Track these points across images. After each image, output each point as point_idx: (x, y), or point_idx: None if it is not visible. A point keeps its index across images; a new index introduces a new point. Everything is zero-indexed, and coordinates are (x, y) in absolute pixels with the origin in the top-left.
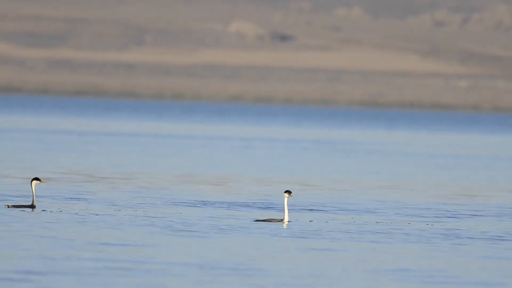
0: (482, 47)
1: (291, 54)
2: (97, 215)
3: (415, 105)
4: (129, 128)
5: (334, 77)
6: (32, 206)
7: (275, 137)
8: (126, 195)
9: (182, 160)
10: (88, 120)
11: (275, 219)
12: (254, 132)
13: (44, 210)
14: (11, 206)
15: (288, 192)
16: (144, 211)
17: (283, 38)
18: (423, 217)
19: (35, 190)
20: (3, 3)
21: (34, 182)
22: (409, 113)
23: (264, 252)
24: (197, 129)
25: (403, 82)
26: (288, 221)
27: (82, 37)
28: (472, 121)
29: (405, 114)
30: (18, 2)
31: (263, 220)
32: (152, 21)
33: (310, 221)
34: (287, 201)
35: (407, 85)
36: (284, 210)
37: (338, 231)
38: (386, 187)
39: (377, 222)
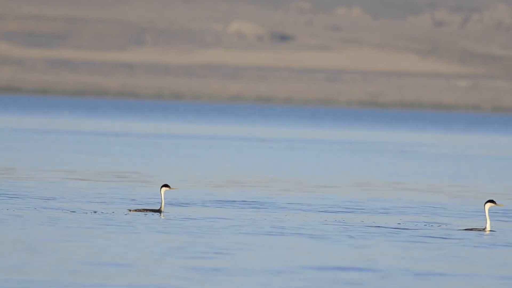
0: (482, 47)
1: (291, 54)
2: (220, 219)
3: (415, 105)
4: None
5: (334, 77)
6: (159, 211)
7: (324, 139)
8: (258, 198)
9: (271, 163)
10: (97, 120)
11: (477, 228)
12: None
13: (167, 214)
14: (133, 210)
15: (492, 201)
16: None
17: (283, 38)
18: None
19: (164, 196)
20: (3, 3)
21: (164, 188)
22: (409, 113)
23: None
24: (234, 129)
25: (403, 82)
26: (490, 231)
27: (82, 37)
28: (472, 121)
29: (405, 114)
30: (18, 2)
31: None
32: (152, 21)
33: None
34: (488, 210)
35: (407, 85)
36: (486, 218)
37: None
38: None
39: None
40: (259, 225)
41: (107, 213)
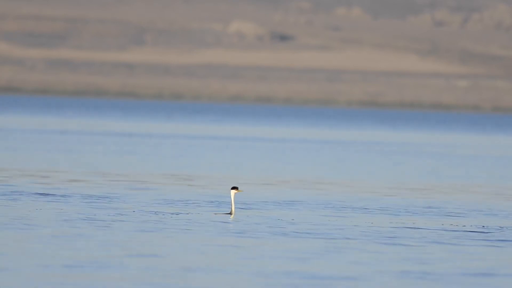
0: (482, 47)
1: (291, 54)
2: (292, 221)
3: (415, 105)
4: (169, 129)
5: (334, 77)
6: (229, 213)
7: (326, 138)
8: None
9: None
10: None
11: None
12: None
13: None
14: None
15: None
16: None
17: (283, 38)
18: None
19: (234, 199)
20: (3, 3)
21: (233, 191)
22: (409, 113)
23: None
24: (238, 129)
25: (403, 82)
26: None
27: (82, 37)
28: (472, 121)
29: (405, 114)
30: (18, 2)
31: None
32: (152, 21)
33: None
34: None
35: (407, 85)
36: None
37: None
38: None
39: None
40: (337, 228)
41: (190, 214)
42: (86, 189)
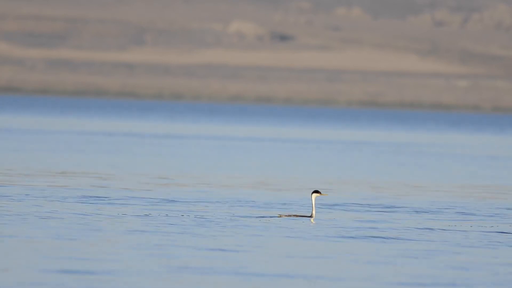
0: (482, 47)
1: (291, 54)
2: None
3: (415, 105)
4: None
5: (334, 77)
6: (310, 217)
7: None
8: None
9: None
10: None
11: None
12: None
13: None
14: (284, 215)
15: None
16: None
17: (283, 38)
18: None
19: (315, 203)
20: (3, 3)
21: (315, 194)
22: (409, 113)
23: None
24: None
25: (403, 82)
26: None
27: (82, 37)
28: (472, 121)
29: (405, 114)
30: (18, 2)
31: None
32: (152, 21)
33: None
34: None
35: (407, 85)
36: None
37: None
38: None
39: None
40: (419, 231)
41: (258, 217)
42: (189, 193)
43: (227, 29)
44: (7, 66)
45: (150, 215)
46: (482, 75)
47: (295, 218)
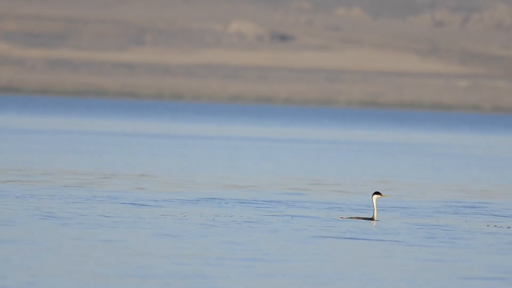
0: (482, 47)
1: (291, 54)
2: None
3: (415, 105)
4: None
5: (334, 77)
6: (371, 219)
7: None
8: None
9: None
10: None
11: None
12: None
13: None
14: (346, 217)
15: None
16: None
17: (283, 38)
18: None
19: (376, 204)
20: (3, 3)
21: (376, 196)
22: (409, 113)
23: None
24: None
25: (403, 82)
26: None
27: (82, 37)
28: (472, 121)
29: (405, 114)
30: (18, 2)
31: None
32: (152, 21)
33: None
34: None
35: (407, 85)
36: None
37: None
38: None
39: None
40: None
41: (320, 219)
42: (238, 194)
43: (227, 29)
44: (7, 66)
45: (216, 216)
46: (482, 75)
47: (356, 220)
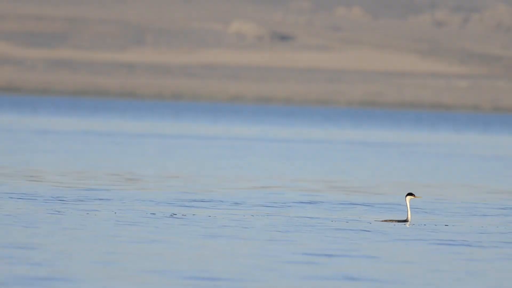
0: (482, 47)
1: (291, 54)
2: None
3: (415, 105)
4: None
5: (334, 77)
6: (405, 221)
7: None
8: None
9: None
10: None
11: None
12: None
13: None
14: (383, 220)
15: None
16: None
17: (283, 38)
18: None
19: (409, 205)
20: (3, 3)
21: (409, 197)
22: (409, 113)
23: None
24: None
25: (403, 82)
26: None
27: (82, 37)
28: (472, 121)
29: (405, 114)
30: (18, 2)
31: None
32: (152, 21)
33: None
34: None
35: (407, 85)
36: None
37: None
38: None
39: None
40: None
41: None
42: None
43: (227, 29)
44: (7, 66)
45: (251, 216)
46: (482, 75)
47: (390, 222)
